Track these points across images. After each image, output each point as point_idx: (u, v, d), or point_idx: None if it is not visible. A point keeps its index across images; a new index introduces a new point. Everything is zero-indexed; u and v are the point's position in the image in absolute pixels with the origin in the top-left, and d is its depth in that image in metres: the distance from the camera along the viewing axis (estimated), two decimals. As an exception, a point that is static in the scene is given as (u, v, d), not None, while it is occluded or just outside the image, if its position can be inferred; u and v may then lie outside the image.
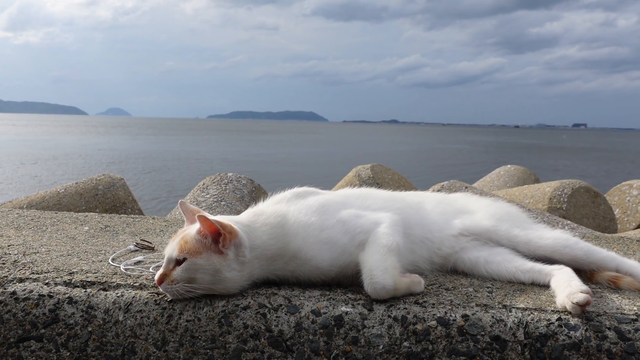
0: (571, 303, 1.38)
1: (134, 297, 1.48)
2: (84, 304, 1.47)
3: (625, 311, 1.42)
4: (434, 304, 1.44)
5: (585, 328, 1.36)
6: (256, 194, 5.37)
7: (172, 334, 1.42)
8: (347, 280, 1.56)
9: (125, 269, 1.65)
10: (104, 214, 2.63)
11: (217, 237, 1.44)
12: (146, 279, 1.58)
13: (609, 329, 1.36)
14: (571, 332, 1.35)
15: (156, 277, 1.44)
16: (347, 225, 1.56)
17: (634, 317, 1.39)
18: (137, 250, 1.89)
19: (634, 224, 5.85)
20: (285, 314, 1.42)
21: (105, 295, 1.49)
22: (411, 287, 1.49)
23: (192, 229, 1.49)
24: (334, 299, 1.46)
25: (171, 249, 1.45)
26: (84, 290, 1.51)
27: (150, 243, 1.96)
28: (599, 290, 1.60)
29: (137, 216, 2.62)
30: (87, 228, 2.29)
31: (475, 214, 1.81)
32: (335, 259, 1.52)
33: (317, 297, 1.47)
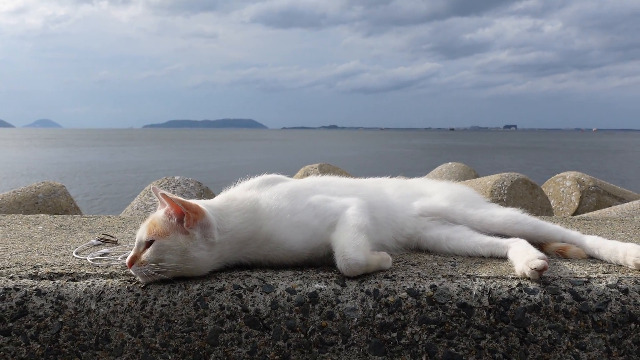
0: (530, 269, 1.48)
1: (105, 285, 1.46)
2: (53, 295, 1.44)
3: (577, 275, 1.53)
4: (403, 277, 1.50)
5: (543, 291, 1.45)
6: (205, 196, 5.32)
7: (147, 320, 1.41)
8: (319, 262, 1.60)
9: (93, 260, 1.62)
10: (56, 215, 2.55)
11: (182, 217, 1.45)
12: (116, 268, 1.57)
13: (565, 291, 1.46)
14: (531, 296, 1.45)
15: (127, 260, 1.44)
16: (318, 209, 1.61)
17: (586, 279, 1.50)
18: (99, 244, 1.86)
19: (568, 213, 6.19)
20: (261, 293, 1.44)
21: (75, 285, 1.46)
22: (381, 263, 1.55)
23: (160, 211, 1.50)
24: (307, 278, 1.50)
25: (141, 232, 1.47)
26: (52, 282, 1.47)
27: (113, 237, 1.93)
28: (552, 259, 1.71)
29: (92, 215, 2.56)
30: (41, 227, 2.23)
31: (433, 196, 1.89)
32: (307, 241, 1.56)
33: (291, 277, 1.50)
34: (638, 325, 1.42)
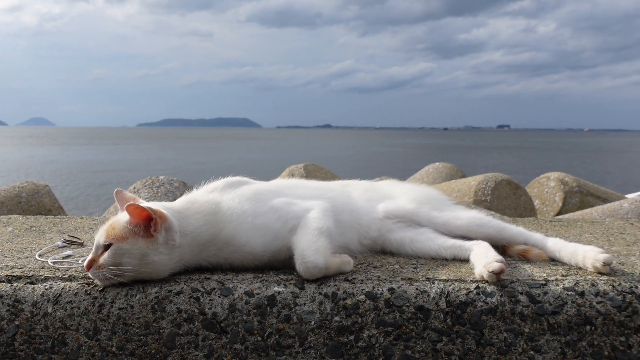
0: (487, 272, 1.49)
1: (63, 288, 1.46)
2: (9, 298, 1.43)
3: (536, 277, 1.54)
4: (362, 280, 1.51)
5: (500, 294, 1.46)
6: (190, 196, 5.32)
7: (104, 323, 1.41)
8: (280, 265, 1.61)
9: (54, 263, 1.62)
10: (29, 216, 2.54)
11: (149, 223, 1.45)
12: (76, 270, 1.57)
13: (521, 293, 1.47)
14: (488, 299, 1.46)
15: (85, 263, 1.44)
16: (280, 212, 1.61)
17: (543, 282, 1.51)
18: (65, 246, 1.85)
19: (552, 214, 6.23)
20: (219, 296, 1.44)
21: (33, 288, 1.46)
22: (341, 266, 1.55)
23: (121, 216, 1.50)
24: (266, 281, 1.50)
25: (99, 235, 1.46)
26: (9, 284, 1.47)
27: (79, 239, 1.93)
28: (514, 261, 1.72)
29: (65, 216, 2.55)
30: (11, 229, 2.22)
31: (399, 199, 1.90)
32: (268, 244, 1.56)
33: (250, 280, 1.50)
34: (593, 328, 1.44)
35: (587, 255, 1.62)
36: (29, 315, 1.41)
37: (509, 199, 5.69)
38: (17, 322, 1.41)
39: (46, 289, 1.46)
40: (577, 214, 5.10)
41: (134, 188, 5.26)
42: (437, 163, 8.48)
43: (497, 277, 1.49)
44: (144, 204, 1.46)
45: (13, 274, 1.52)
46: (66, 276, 1.52)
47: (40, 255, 1.72)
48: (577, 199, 6.21)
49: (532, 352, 1.42)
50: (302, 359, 1.41)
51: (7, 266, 1.60)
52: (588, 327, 1.44)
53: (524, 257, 1.75)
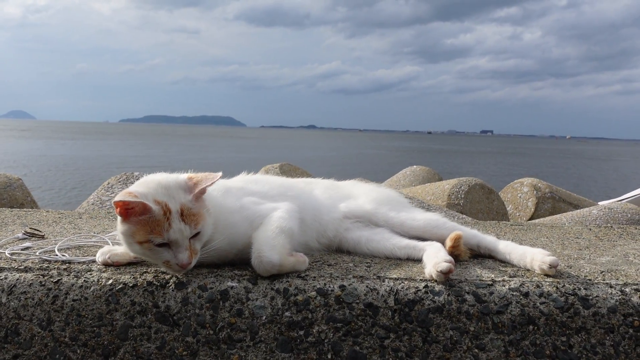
0: (436, 271, 1.53)
1: (17, 279, 1.47)
2: (-36, 288, 1.45)
3: (484, 278, 1.59)
4: (315, 277, 1.55)
5: (448, 293, 1.51)
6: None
7: (57, 314, 1.43)
8: (241, 261, 1.62)
9: (11, 254, 1.63)
10: (-5, 208, 2.54)
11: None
12: (32, 262, 1.58)
13: (468, 293, 1.52)
14: (436, 297, 1.50)
15: (184, 262, 1.43)
16: (248, 212, 1.64)
17: (490, 282, 1.56)
18: (25, 238, 1.86)
19: (525, 218, 6.34)
20: (172, 290, 1.47)
21: (-12, 278, 1.47)
22: (296, 265, 1.58)
23: (181, 200, 1.47)
24: (220, 275, 1.53)
25: (182, 230, 1.43)
26: (-36, 275, 1.48)
27: (40, 231, 1.94)
28: (466, 262, 1.77)
29: (30, 209, 2.55)
30: (-27, 220, 2.22)
31: (359, 198, 1.94)
32: (235, 242, 1.59)
33: (205, 274, 1.53)
34: (536, 328, 1.49)
35: (534, 257, 1.67)
36: (-18, 305, 1.43)
37: (481, 203, 5.78)
38: (-30, 312, 1.42)
39: (1, 280, 1.47)
40: (547, 219, 5.20)
41: (108, 184, 5.24)
42: (415, 166, 8.57)
43: (445, 277, 1.54)
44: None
45: (-32, 265, 1.53)
46: (22, 267, 1.53)
47: (-1, 247, 1.73)
48: (549, 204, 6.33)
49: (476, 350, 1.47)
50: (253, 353, 1.44)
51: (-36, 256, 1.61)
52: (531, 327, 1.49)
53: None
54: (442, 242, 1.80)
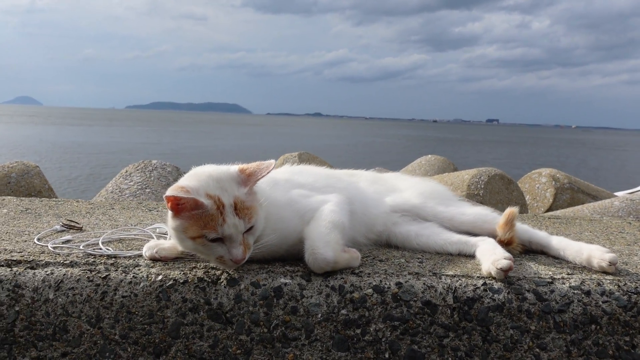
0: (496, 269, 1.48)
1: (64, 274, 1.43)
2: (9, 283, 1.40)
3: (542, 275, 1.54)
4: (369, 274, 1.49)
5: (507, 291, 1.46)
6: (183, 182, 5.27)
7: (107, 311, 1.38)
8: (291, 257, 1.57)
9: (54, 248, 1.58)
10: (23, 198, 2.49)
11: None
12: (77, 256, 1.53)
13: (528, 291, 1.47)
14: (495, 295, 1.45)
15: (238, 257, 1.38)
16: (298, 205, 1.58)
17: (550, 280, 1.51)
18: (63, 231, 1.82)
19: (542, 209, 6.26)
20: (225, 287, 1.42)
21: (34, 273, 1.43)
22: (350, 262, 1.52)
23: (234, 193, 1.41)
24: (272, 272, 1.48)
25: (237, 224, 1.38)
26: (9, 269, 1.44)
27: (78, 223, 1.89)
28: (519, 258, 1.72)
29: (60, 199, 2.51)
30: (5, 210, 2.17)
31: (405, 192, 1.89)
32: (286, 237, 1.53)
33: (256, 270, 1.48)
34: (598, 327, 1.44)
35: (592, 254, 1.61)
36: (29, 301, 1.38)
37: (501, 194, 5.71)
38: (17, 308, 1.38)
39: (47, 275, 1.42)
40: (569, 210, 5.12)
41: (126, 172, 5.21)
42: (430, 156, 8.49)
43: (505, 274, 1.48)
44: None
45: (12, 258, 1.49)
46: (67, 262, 1.49)
47: (39, 239, 1.68)
48: (567, 195, 6.25)
49: (537, 350, 1.42)
50: (308, 352, 1.39)
51: (5, 250, 1.56)
52: (593, 326, 1.44)
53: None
54: (493, 236, 1.74)
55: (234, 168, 1.47)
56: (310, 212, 1.56)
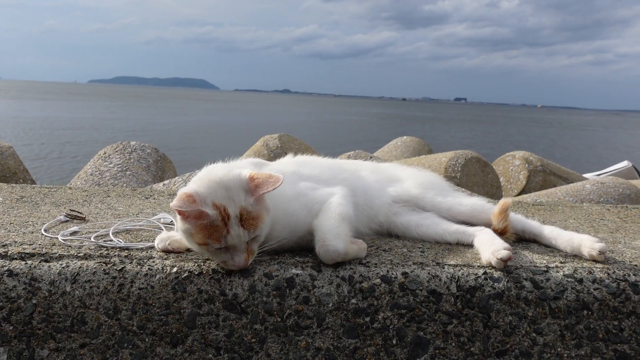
0: (496, 259, 1.56)
1: (80, 267, 1.45)
2: (25, 276, 1.41)
3: (537, 264, 1.63)
4: (376, 264, 1.56)
5: (506, 280, 1.54)
6: (162, 163, 5.24)
7: (124, 302, 1.41)
8: (299, 248, 1.62)
9: (64, 240, 1.60)
10: (14, 185, 2.47)
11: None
12: (89, 248, 1.55)
13: (526, 279, 1.55)
14: (495, 284, 1.53)
15: (241, 265, 1.42)
16: (305, 198, 1.62)
17: (545, 269, 1.60)
18: (67, 221, 1.82)
19: (516, 191, 6.45)
20: (239, 278, 1.46)
21: (49, 266, 1.44)
22: (358, 252, 1.58)
23: (241, 203, 1.42)
24: (284, 263, 1.53)
25: (241, 235, 1.41)
26: (23, 262, 1.45)
27: (81, 213, 1.90)
28: (513, 247, 1.80)
29: (53, 186, 2.49)
30: (1, 199, 2.15)
31: (404, 182, 1.95)
32: (295, 230, 1.57)
33: (268, 262, 1.53)
34: (589, 313, 1.53)
35: (583, 243, 1.71)
36: (46, 293, 1.40)
37: (477, 176, 5.85)
38: (34, 301, 1.39)
39: (63, 268, 1.44)
40: (542, 193, 5.30)
41: (105, 153, 5.15)
42: (405, 137, 8.61)
43: (504, 264, 1.56)
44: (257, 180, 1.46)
45: (25, 251, 1.49)
46: (81, 254, 1.50)
47: (46, 231, 1.69)
48: (540, 178, 6.44)
49: (534, 335, 1.51)
50: (320, 339, 1.45)
51: (15, 242, 1.57)
52: (585, 312, 1.53)
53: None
54: (488, 226, 1.82)
55: (245, 174, 1.46)
56: (318, 204, 1.60)
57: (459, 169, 5.69)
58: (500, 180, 6.63)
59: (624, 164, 9.12)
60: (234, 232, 1.39)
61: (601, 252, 1.66)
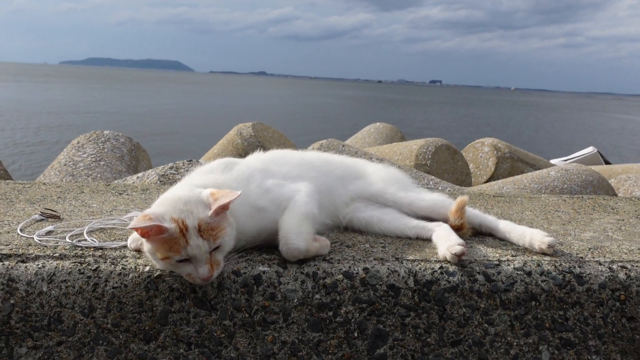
0: (450, 254, 1.67)
1: (56, 267, 1.51)
2: (3, 277, 1.47)
3: (490, 258, 1.74)
4: (339, 260, 1.65)
5: (461, 274, 1.65)
6: (136, 152, 5.25)
7: (99, 301, 1.49)
8: (267, 245, 1.70)
9: (40, 240, 1.65)
10: (-13, 180, 2.49)
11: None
12: (64, 248, 1.61)
13: (479, 273, 1.66)
14: (450, 278, 1.64)
15: (204, 276, 1.45)
16: (272, 195, 1.69)
17: (497, 262, 1.71)
18: (42, 220, 1.87)
19: (485, 177, 6.63)
20: (209, 276, 1.54)
21: (26, 267, 1.50)
22: (320, 250, 1.67)
23: (199, 215, 1.46)
24: (251, 260, 1.61)
25: (200, 245, 1.44)
26: (0, 263, 1.51)
27: (55, 211, 1.95)
28: (469, 240, 1.91)
29: (27, 182, 2.52)
30: (-26, 197, 2.19)
31: (368, 177, 2.03)
32: (264, 227, 1.65)
33: (236, 259, 1.61)
34: (537, 303, 1.66)
35: (534, 237, 1.83)
36: (24, 294, 1.46)
37: (447, 164, 5.99)
38: (12, 301, 1.46)
39: (39, 268, 1.50)
40: (509, 180, 5.46)
41: (78, 142, 5.14)
42: (378, 123, 8.71)
43: (458, 259, 1.68)
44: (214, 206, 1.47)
45: (2, 252, 1.55)
46: (57, 254, 1.57)
47: (22, 231, 1.74)
48: (508, 164, 6.62)
49: (486, 325, 1.63)
50: (286, 334, 1.55)
51: (-9, 243, 1.62)
52: (533, 303, 1.66)
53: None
54: (448, 221, 1.93)
55: (206, 192, 1.52)
56: (285, 200, 1.68)
57: (429, 157, 5.82)
58: (470, 167, 6.79)
59: (590, 149, 9.40)
60: (192, 242, 1.42)
61: (550, 246, 1.79)
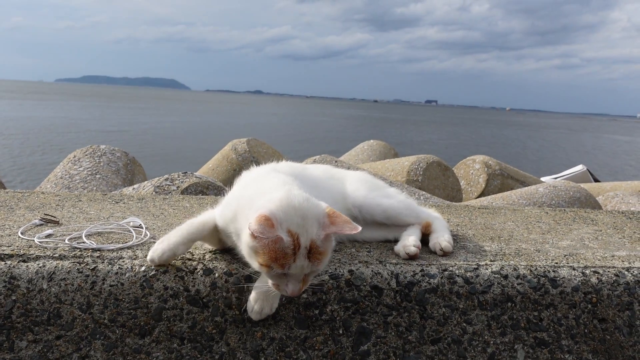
0: (404, 252, 1.82)
1: (56, 266, 1.59)
2: (5, 275, 1.56)
3: (470, 262, 1.83)
4: (326, 263, 1.74)
5: (441, 276, 1.74)
6: (132, 166, 5.33)
7: (96, 298, 1.57)
8: None
9: (40, 242, 1.74)
10: (-12, 189, 2.58)
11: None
12: (64, 250, 1.70)
13: (458, 276, 1.76)
14: (431, 280, 1.73)
15: (294, 293, 1.44)
16: None
17: (475, 266, 1.81)
18: (42, 224, 1.96)
19: (475, 194, 6.74)
20: (201, 276, 1.63)
21: (27, 266, 1.59)
22: None
23: (312, 235, 1.42)
24: (243, 262, 1.70)
25: (304, 267, 1.42)
26: (3, 262, 1.59)
27: (55, 217, 2.04)
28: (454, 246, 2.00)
29: (26, 191, 2.61)
30: (-24, 204, 2.27)
31: (349, 186, 2.09)
32: None
33: (229, 261, 1.70)
34: (513, 305, 1.75)
35: (404, 244, 1.88)
36: (25, 291, 1.55)
37: (438, 180, 6.10)
38: (13, 297, 1.54)
39: (40, 267, 1.59)
40: (499, 196, 5.57)
41: (74, 157, 5.22)
42: (372, 141, 8.83)
43: (408, 257, 1.82)
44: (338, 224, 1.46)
45: (4, 252, 1.63)
46: (57, 255, 1.65)
47: (22, 234, 1.82)
48: (498, 181, 6.74)
49: (464, 324, 1.71)
50: (274, 330, 1.63)
51: (-6, 244, 1.70)
52: (509, 304, 1.75)
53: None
54: (420, 223, 2.02)
55: (323, 208, 1.48)
56: None
57: (421, 173, 5.93)
58: (461, 183, 6.91)
59: (579, 167, 9.55)
60: (299, 263, 1.39)
61: (409, 254, 1.83)
